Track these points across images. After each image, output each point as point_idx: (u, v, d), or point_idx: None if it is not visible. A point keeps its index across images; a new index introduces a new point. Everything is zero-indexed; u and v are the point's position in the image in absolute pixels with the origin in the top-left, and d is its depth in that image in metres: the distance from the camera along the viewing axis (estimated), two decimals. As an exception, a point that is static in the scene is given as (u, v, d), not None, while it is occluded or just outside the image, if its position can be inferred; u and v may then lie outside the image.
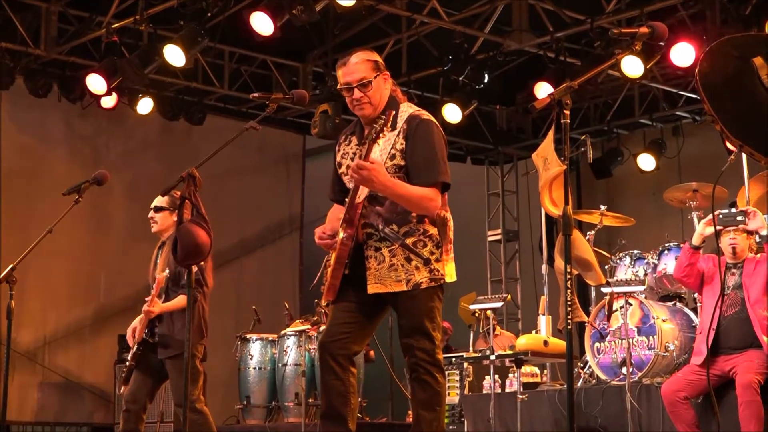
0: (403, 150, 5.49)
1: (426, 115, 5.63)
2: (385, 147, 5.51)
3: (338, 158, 5.73)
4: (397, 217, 5.47)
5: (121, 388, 7.75)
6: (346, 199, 5.54)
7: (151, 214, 7.77)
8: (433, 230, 5.51)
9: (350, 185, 5.55)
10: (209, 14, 11.47)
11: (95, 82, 12.15)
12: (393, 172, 5.45)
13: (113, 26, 11.88)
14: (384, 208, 5.48)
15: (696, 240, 8.00)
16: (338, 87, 5.73)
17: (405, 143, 5.50)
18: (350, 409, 5.53)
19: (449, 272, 5.55)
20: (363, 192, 5.53)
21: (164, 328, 7.60)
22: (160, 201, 7.76)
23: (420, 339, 5.46)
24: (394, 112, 5.53)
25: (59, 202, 7.40)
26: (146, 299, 7.61)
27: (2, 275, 6.94)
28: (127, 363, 7.68)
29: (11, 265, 6.96)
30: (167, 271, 7.50)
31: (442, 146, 5.55)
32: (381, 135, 5.40)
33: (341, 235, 5.48)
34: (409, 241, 5.46)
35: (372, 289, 5.47)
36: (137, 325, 7.70)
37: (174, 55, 11.52)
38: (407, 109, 5.64)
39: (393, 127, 5.54)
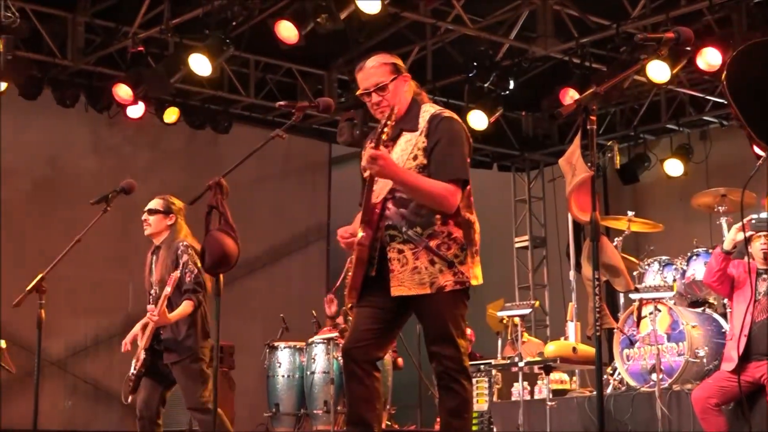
0: (425, 148, 5.45)
1: (448, 113, 5.60)
2: (407, 147, 5.48)
3: (363, 162, 5.71)
4: (421, 220, 5.43)
5: (128, 398, 7.76)
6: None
7: (144, 216, 7.76)
8: (458, 233, 5.46)
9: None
10: (234, 23, 11.50)
11: (122, 92, 12.21)
12: (416, 172, 5.43)
13: (139, 36, 11.94)
14: (408, 210, 5.44)
15: (727, 245, 7.94)
16: (357, 93, 5.73)
17: (427, 141, 5.47)
18: (375, 415, 5.50)
19: (475, 275, 5.50)
20: (381, 192, 5.51)
21: (169, 334, 7.62)
22: (154, 204, 7.77)
23: (445, 346, 5.42)
24: (397, 107, 5.49)
25: (87, 211, 7.43)
26: (149, 307, 7.61)
27: (32, 285, 6.98)
28: (133, 372, 7.68)
29: (40, 275, 6.99)
30: (178, 271, 7.51)
31: (462, 143, 5.51)
32: (390, 122, 5.37)
33: (360, 235, 5.46)
34: (432, 243, 5.41)
35: (395, 291, 5.43)
36: (138, 332, 7.71)
37: (199, 64, 11.56)
38: (429, 109, 5.60)
39: (415, 128, 5.52)
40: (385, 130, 5.35)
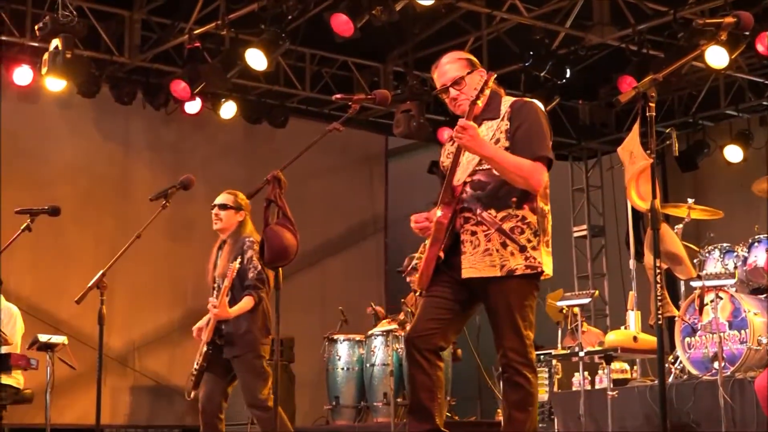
0: (508, 130, 5.46)
1: (530, 99, 5.67)
2: (488, 133, 5.48)
3: (442, 157, 5.73)
4: (497, 202, 5.42)
5: (191, 394, 7.81)
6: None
7: (215, 210, 7.86)
8: (532, 218, 5.45)
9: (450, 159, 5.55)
10: (289, 17, 11.53)
11: (179, 88, 12.29)
12: None
13: (195, 32, 11.99)
14: (485, 193, 5.45)
15: (789, 231, 7.86)
16: (435, 92, 5.76)
17: (509, 124, 5.48)
18: (437, 404, 5.49)
19: (546, 264, 5.48)
20: (462, 174, 5.51)
21: (230, 328, 7.67)
22: (224, 198, 7.86)
23: (511, 338, 5.40)
24: (495, 75, 5.53)
25: (146, 207, 7.48)
26: (211, 299, 7.66)
27: (93, 281, 7.03)
28: (197, 365, 7.74)
29: (101, 271, 7.04)
30: (237, 262, 7.55)
31: (545, 125, 5.53)
32: (480, 96, 5.38)
33: (438, 214, 5.46)
34: (506, 226, 5.40)
35: (466, 273, 5.42)
36: (203, 326, 7.77)
37: (256, 58, 11.61)
38: (510, 98, 5.65)
39: (496, 115, 5.52)
40: (478, 102, 5.36)
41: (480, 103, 5.42)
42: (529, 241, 5.41)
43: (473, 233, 5.44)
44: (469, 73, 5.59)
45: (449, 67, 5.65)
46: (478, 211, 5.43)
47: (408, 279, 10.01)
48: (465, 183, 5.50)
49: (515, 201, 5.42)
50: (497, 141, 5.45)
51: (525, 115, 5.49)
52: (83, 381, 11.17)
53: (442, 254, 5.47)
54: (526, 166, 5.37)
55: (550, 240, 5.55)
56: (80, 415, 11.79)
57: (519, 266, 5.38)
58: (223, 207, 7.85)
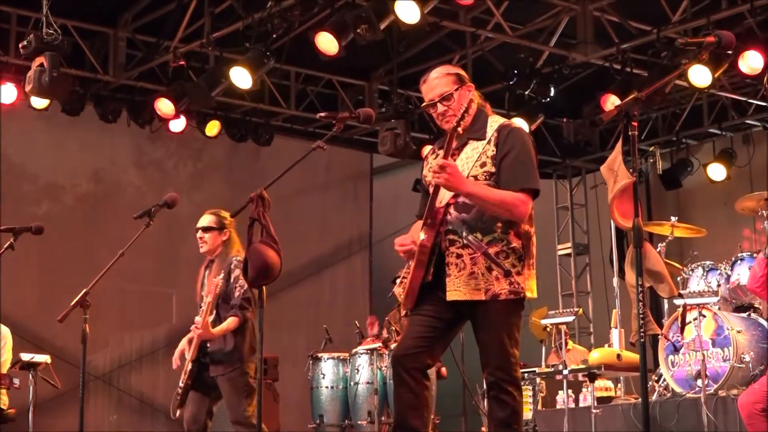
0: (494, 156, 5.47)
1: (517, 124, 5.68)
2: (473, 155, 5.50)
3: (425, 171, 5.74)
4: (482, 226, 5.44)
5: (176, 413, 7.78)
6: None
7: (199, 234, 7.81)
8: (517, 243, 5.47)
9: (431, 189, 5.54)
10: (274, 36, 11.54)
11: (164, 106, 12.29)
12: (483, 180, 5.44)
13: (180, 50, 12.01)
14: (470, 216, 5.46)
15: (771, 250, 7.87)
16: (422, 106, 5.76)
17: (496, 150, 5.48)
18: (423, 423, 5.50)
19: (530, 287, 5.50)
20: (445, 196, 5.51)
21: (216, 346, 7.64)
22: (207, 221, 7.79)
23: (497, 356, 5.43)
24: (473, 104, 5.52)
25: (130, 225, 7.46)
26: (196, 319, 7.64)
27: (76, 300, 7.01)
28: (181, 384, 7.71)
29: (85, 290, 7.02)
30: (221, 278, 7.52)
31: (532, 153, 5.55)
32: (461, 125, 5.38)
33: (422, 237, 5.47)
34: (491, 250, 5.42)
35: (451, 296, 5.43)
36: (185, 346, 7.74)
37: (240, 77, 11.61)
38: (497, 119, 5.65)
39: (482, 137, 5.53)
40: (458, 129, 5.38)
41: (461, 130, 5.43)
42: (513, 266, 5.44)
43: (459, 256, 5.45)
44: (457, 89, 5.60)
45: (437, 82, 5.66)
46: (464, 233, 5.44)
47: (395, 288, 10.04)
48: (449, 204, 5.50)
49: (500, 226, 5.44)
50: (483, 164, 5.46)
51: (512, 143, 5.49)
52: (67, 400, 11.14)
53: (430, 277, 5.48)
54: (509, 200, 5.39)
55: (534, 262, 5.57)
56: (64, 433, 11.75)
57: (503, 291, 5.41)
58: (207, 229, 7.76)
